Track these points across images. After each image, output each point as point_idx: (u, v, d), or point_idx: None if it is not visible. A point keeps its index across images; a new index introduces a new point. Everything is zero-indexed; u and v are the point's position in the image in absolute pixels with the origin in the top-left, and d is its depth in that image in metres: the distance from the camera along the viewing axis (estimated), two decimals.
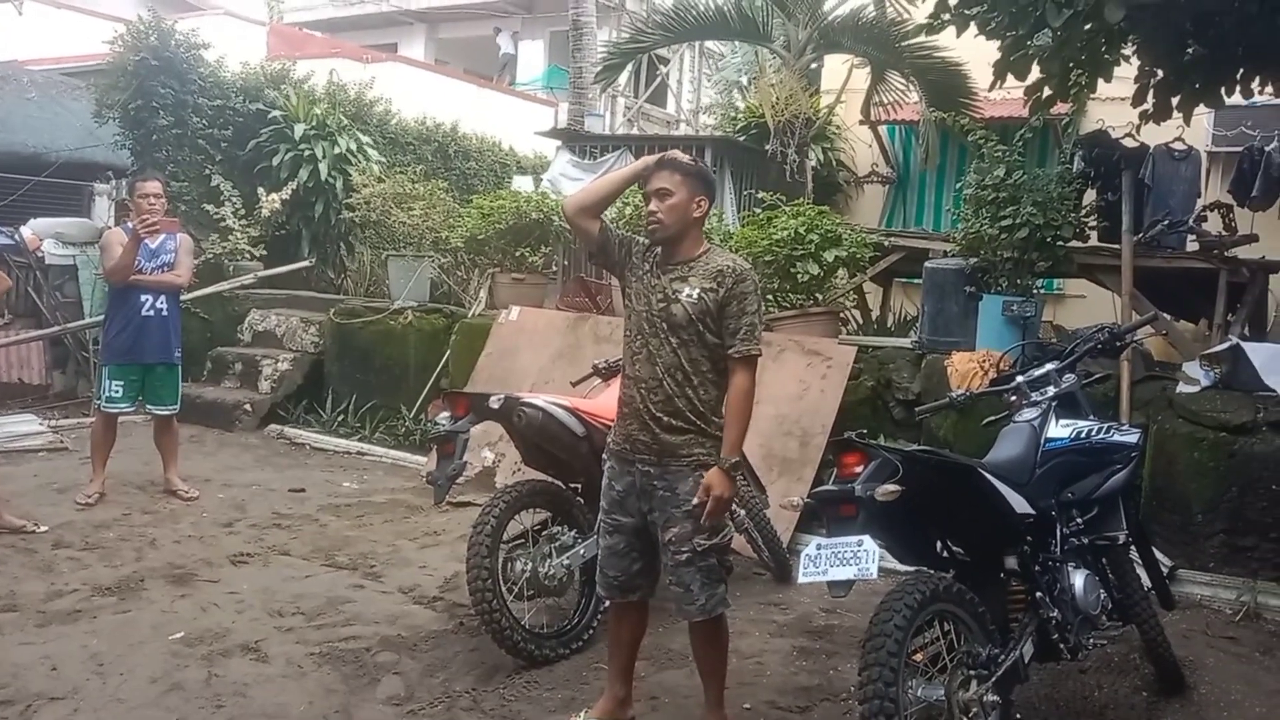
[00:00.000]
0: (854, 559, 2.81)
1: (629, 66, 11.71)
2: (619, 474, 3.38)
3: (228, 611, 4.47)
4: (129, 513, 5.87)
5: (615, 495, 3.40)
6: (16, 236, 9.14)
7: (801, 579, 2.93)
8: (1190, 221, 7.11)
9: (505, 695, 3.78)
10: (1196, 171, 7.74)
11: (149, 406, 6.30)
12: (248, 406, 8.50)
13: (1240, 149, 8.32)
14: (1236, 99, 5.76)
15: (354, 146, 10.45)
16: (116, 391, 6.08)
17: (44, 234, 9.35)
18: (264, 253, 9.82)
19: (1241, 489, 5.12)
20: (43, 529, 5.41)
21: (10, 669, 3.76)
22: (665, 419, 3.23)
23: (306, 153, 10.05)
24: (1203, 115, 7.42)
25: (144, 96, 9.46)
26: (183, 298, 6.63)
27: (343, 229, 10.47)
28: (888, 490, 2.84)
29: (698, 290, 3.20)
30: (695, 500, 3.16)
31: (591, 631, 4.22)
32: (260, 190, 9.89)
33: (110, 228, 7.69)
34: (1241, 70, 5.43)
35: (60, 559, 5.04)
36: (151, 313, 6.06)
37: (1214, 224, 7.26)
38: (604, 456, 3.48)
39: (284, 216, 10.09)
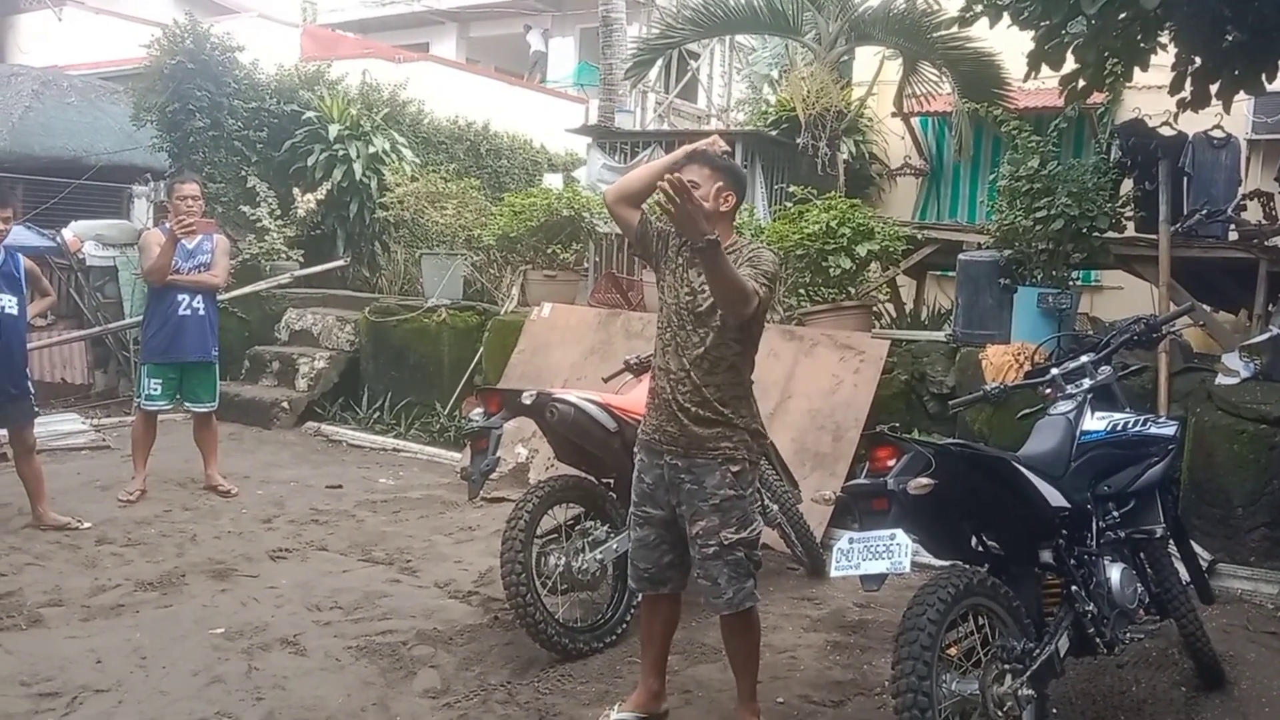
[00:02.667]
0: (886, 553, 2.80)
1: (659, 62, 11.67)
2: (648, 466, 3.39)
3: (267, 606, 4.53)
4: (170, 509, 5.97)
5: (645, 487, 3.41)
6: (58, 239, 9.29)
7: (834, 573, 2.93)
8: (1229, 210, 6.99)
9: (540, 689, 3.81)
10: (1236, 160, 7.61)
11: (188, 404, 6.40)
12: (285, 404, 8.61)
13: None
14: (1277, 85, 5.65)
15: (387, 146, 10.54)
16: (155, 390, 6.18)
17: (85, 236, 9.49)
18: (300, 253, 9.94)
19: None
20: (86, 525, 5.51)
21: (57, 662, 3.84)
22: (693, 409, 3.24)
23: (341, 153, 10.15)
24: (1242, 102, 7.29)
25: (180, 99, 9.59)
26: (220, 297, 6.71)
27: (377, 228, 10.58)
28: (920, 484, 2.83)
29: None
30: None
31: (625, 625, 4.24)
32: (295, 191, 10.01)
33: (149, 229, 7.79)
34: None
35: (103, 555, 5.13)
36: (189, 312, 6.15)
37: (1254, 213, 7.13)
38: (635, 449, 3.49)
39: (319, 216, 10.21)
